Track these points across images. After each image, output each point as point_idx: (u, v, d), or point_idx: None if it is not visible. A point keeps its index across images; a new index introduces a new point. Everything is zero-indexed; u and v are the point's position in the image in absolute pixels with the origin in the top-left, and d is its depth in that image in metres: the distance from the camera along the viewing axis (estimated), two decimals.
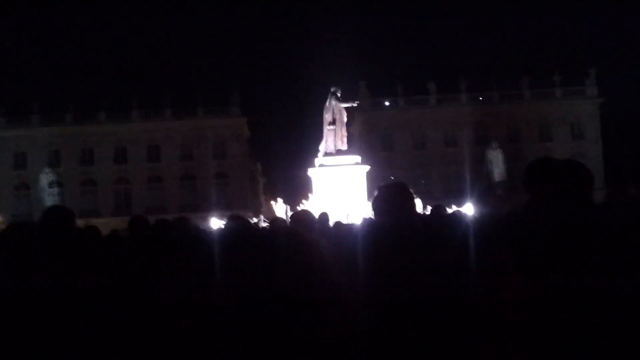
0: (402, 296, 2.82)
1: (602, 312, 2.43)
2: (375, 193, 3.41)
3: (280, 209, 33.78)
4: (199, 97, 57.33)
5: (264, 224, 17.91)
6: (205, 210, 43.90)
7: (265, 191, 76.15)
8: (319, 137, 29.94)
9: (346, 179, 27.64)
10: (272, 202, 47.19)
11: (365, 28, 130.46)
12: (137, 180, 56.41)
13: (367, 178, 28.48)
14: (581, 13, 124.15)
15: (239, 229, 4.07)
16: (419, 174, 54.18)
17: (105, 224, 19.62)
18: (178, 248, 4.44)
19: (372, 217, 3.58)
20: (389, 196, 3.31)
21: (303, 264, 3.06)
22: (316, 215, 8.13)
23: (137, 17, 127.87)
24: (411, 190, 3.43)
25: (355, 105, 31.79)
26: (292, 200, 42.50)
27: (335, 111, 28.64)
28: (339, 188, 26.97)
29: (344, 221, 11.76)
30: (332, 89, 28.92)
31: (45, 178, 52.33)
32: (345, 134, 29.07)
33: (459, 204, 23.42)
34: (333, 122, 28.59)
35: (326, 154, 28.64)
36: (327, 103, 28.93)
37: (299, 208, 26.49)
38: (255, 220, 25.21)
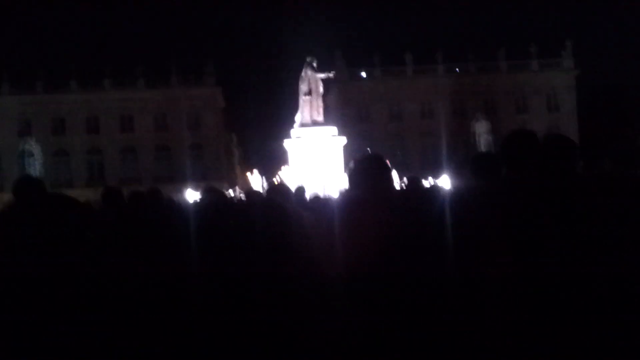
0: (382, 272, 2.79)
1: (587, 286, 2.43)
2: (351, 165, 3.33)
3: (256, 180, 33.68)
4: (172, 67, 56.46)
5: (240, 196, 17.80)
6: (180, 181, 43.62)
7: (240, 162, 75.80)
8: (294, 107, 29.77)
9: (323, 151, 27.59)
10: (248, 174, 47.04)
11: None
12: (110, 150, 55.66)
13: (343, 150, 28.46)
14: None
15: (214, 201, 3.99)
16: (396, 145, 54.30)
17: (79, 195, 19.29)
18: (152, 222, 4.35)
19: (348, 189, 3.50)
20: (365, 169, 3.24)
21: (283, 235, 3.01)
22: (292, 187, 8.06)
23: None
24: (388, 163, 3.36)
25: (331, 75, 31.58)
26: (267, 171, 42.38)
27: (311, 81, 28.45)
28: (316, 160, 26.94)
29: (321, 194, 11.72)
30: (308, 59, 28.68)
31: (26, 147, 50.81)
32: (321, 104, 28.93)
33: (436, 176, 23.57)
34: (309, 93, 28.41)
35: (302, 125, 28.50)
36: (303, 73, 28.70)
37: (275, 180, 26.42)
38: (231, 192, 25.07)
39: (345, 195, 4.88)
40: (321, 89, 28.88)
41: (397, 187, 6.93)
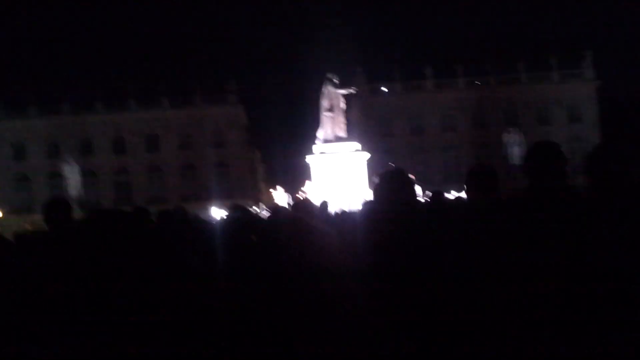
0: (406, 287, 2.85)
1: (596, 292, 2.48)
2: (375, 180, 3.42)
3: (281, 196, 33.81)
4: (195, 86, 57.05)
5: (265, 213, 17.92)
6: (206, 199, 43.94)
7: (264, 179, 76.12)
8: (316, 123, 29.90)
9: (346, 166, 27.66)
10: (272, 190, 47.19)
11: (361, 13, 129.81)
12: (137, 170, 56.28)
13: (366, 165, 28.49)
14: None
15: (242, 218, 4.10)
16: (418, 159, 54.11)
17: None
18: (181, 240, 4.47)
19: (371, 201, 3.57)
20: (390, 184, 3.32)
21: (310, 251, 3.09)
22: (316, 203, 8.17)
23: (134, 6, 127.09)
24: (411, 177, 3.44)
25: (352, 91, 31.73)
26: (291, 187, 42.51)
27: (332, 97, 28.62)
28: (339, 175, 27.00)
29: (346, 209, 11.80)
30: (328, 75, 28.87)
31: (69, 169, 50.92)
32: (343, 120, 29.06)
33: (458, 190, 23.43)
34: (330, 109, 28.57)
35: (325, 141, 28.63)
36: (324, 89, 28.88)
37: (299, 196, 26.53)
38: (256, 209, 25.23)
39: (368, 208, 4.95)
40: (342, 105, 29.01)
41: (421, 201, 6.99)
